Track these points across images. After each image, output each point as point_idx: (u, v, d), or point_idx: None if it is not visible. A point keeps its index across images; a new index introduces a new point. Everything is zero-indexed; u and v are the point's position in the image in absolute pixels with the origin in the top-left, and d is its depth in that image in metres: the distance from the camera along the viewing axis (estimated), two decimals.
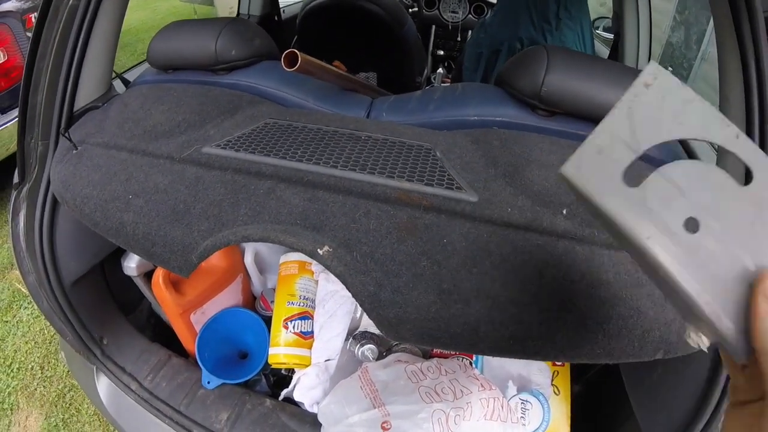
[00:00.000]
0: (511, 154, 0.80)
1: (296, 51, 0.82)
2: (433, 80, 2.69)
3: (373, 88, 1.30)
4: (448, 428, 0.82)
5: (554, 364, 1.01)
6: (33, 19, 2.55)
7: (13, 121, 2.50)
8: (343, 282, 0.68)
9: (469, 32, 2.76)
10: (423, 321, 0.65)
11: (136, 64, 1.49)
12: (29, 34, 0.95)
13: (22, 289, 2.20)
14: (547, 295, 0.64)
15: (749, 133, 0.72)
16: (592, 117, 0.85)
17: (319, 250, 0.68)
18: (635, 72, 0.91)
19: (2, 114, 2.54)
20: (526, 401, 0.95)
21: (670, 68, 3.20)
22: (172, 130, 0.92)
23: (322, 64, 0.94)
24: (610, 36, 2.06)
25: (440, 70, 2.68)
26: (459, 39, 2.75)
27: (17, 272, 1.03)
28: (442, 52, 2.91)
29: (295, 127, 0.91)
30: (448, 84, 1.48)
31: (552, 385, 0.99)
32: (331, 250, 0.69)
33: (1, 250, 2.49)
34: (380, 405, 0.86)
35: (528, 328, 0.63)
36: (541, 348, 0.64)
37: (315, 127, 0.91)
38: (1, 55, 2.44)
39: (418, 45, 2.28)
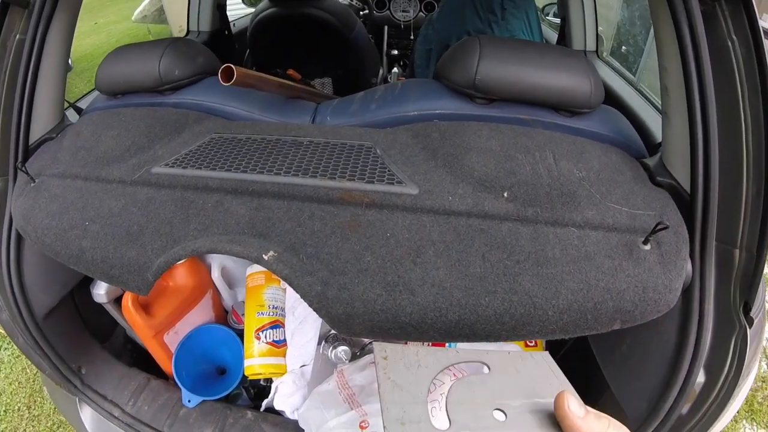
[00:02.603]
0: (451, 145, 0.82)
1: (232, 65, 0.84)
2: (389, 80, 2.68)
3: (318, 94, 1.31)
4: None
5: (527, 345, 1.03)
6: None
7: None
8: (290, 284, 0.69)
9: None
10: (371, 314, 0.66)
11: (87, 93, 1.49)
12: None
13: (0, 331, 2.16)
14: (493, 277, 0.66)
15: (692, 125, 0.70)
16: (527, 100, 0.88)
17: (264, 255, 0.70)
18: (567, 51, 0.93)
19: None
20: None
21: (624, 48, 3.27)
22: (123, 154, 0.93)
23: (262, 75, 0.96)
24: None
25: (395, 69, 2.69)
26: (412, 38, 2.75)
27: None
28: (396, 52, 2.91)
29: (239, 139, 0.93)
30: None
31: None
32: (276, 254, 0.70)
33: None
34: (357, 406, 0.87)
35: (475, 312, 0.64)
36: (491, 330, 0.65)
37: (259, 137, 0.92)
38: None
39: (369, 47, 2.30)
